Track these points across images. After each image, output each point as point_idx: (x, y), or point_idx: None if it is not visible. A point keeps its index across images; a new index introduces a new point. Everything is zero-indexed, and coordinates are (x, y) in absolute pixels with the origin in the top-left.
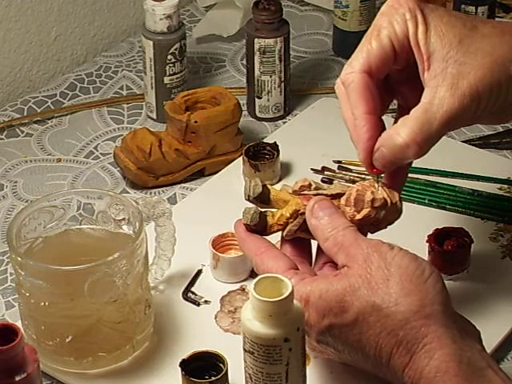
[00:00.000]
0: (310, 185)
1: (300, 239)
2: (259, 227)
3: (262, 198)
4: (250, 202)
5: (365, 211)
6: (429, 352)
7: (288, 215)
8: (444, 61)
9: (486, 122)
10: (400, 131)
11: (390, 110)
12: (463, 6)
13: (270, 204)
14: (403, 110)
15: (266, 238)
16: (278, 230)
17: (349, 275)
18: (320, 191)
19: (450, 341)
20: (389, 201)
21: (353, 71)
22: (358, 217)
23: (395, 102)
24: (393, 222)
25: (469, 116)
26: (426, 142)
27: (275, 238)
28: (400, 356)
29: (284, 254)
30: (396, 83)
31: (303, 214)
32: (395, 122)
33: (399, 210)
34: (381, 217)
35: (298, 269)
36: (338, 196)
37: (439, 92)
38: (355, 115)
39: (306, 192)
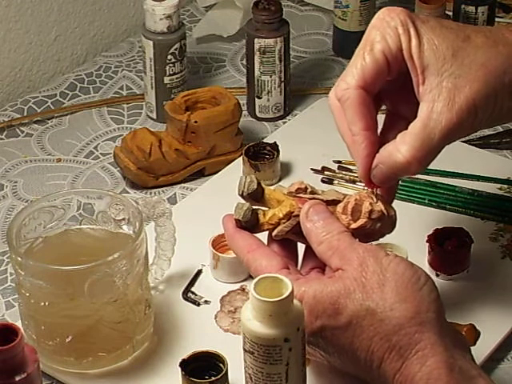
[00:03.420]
0: (306, 188)
1: (287, 240)
2: (250, 224)
3: (256, 196)
4: (243, 198)
5: (361, 221)
6: (421, 358)
7: (281, 216)
8: (439, 75)
9: (484, 128)
10: (400, 148)
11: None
12: (463, 6)
13: (262, 202)
14: (391, 115)
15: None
16: (267, 230)
17: (344, 278)
18: (315, 196)
19: (442, 348)
20: (386, 213)
21: (348, 87)
22: (354, 226)
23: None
24: (385, 235)
25: (467, 128)
26: (426, 157)
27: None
28: (392, 361)
29: (276, 254)
30: (385, 91)
31: (297, 216)
32: (384, 127)
33: (394, 224)
34: (376, 228)
35: (289, 269)
36: (334, 202)
37: (436, 107)
38: (353, 131)
39: (301, 195)
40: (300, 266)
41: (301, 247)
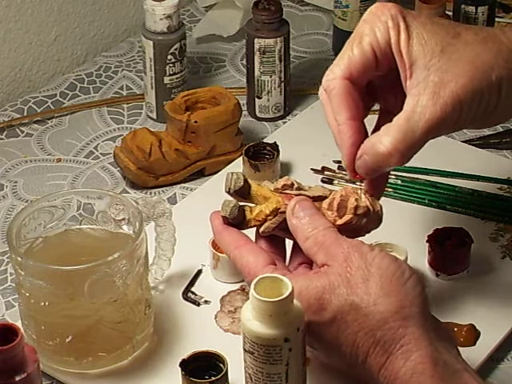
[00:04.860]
0: (292, 184)
1: (275, 236)
2: (237, 221)
3: (242, 192)
4: (230, 194)
5: (347, 217)
6: (406, 353)
7: (268, 212)
8: (426, 69)
9: (471, 127)
10: (383, 140)
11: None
12: (463, 6)
13: (249, 199)
14: (385, 113)
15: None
16: (254, 226)
17: (329, 273)
18: (302, 192)
19: (427, 342)
20: (371, 209)
21: (334, 77)
22: (339, 222)
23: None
24: (371, 231)
25: (451, 123)
26: (408, 150)
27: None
28: (376, 356)
29: (263, 249)
30: (378, 88)
31: (283, 212)
32: (377, 124)
33: (380, 219)
34: (362, 224)
35: (276, 265)
36: (320, 198)
37: (421, 100)
38: (338, 121)
39: (287, 191)
40: (288, 261)
41: (289, 243)
